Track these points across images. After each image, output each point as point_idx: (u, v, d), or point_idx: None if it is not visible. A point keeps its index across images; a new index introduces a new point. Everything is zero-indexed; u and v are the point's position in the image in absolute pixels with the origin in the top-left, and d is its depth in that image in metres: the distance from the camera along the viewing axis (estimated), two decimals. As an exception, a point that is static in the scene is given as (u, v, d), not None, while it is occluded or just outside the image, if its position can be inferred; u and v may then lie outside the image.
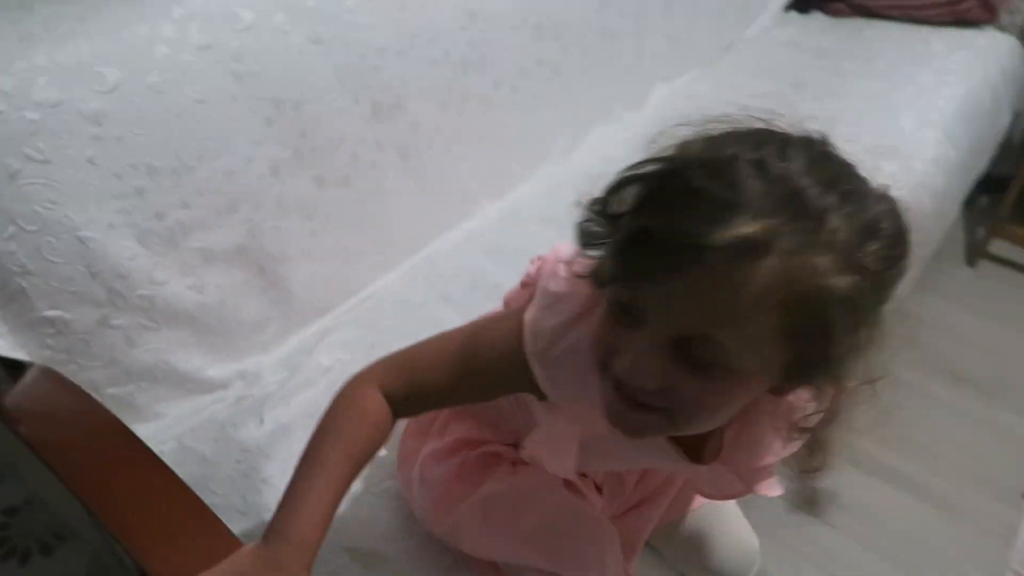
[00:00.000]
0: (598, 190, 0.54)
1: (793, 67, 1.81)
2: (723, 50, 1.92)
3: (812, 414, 0.56)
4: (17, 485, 1.48)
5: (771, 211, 0.46)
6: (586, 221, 0.55)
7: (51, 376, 0.84)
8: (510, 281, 1.18)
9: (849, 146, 0.52)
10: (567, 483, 0.75)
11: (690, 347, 0.49)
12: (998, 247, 2.01)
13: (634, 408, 0.53)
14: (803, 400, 0.57)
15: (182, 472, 0.70)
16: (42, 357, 0.89)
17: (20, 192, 0.81)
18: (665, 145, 0.52)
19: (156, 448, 0.74)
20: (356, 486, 0.83)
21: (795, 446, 0.60)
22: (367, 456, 0.64)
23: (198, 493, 0.69)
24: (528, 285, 0.72)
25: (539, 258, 0.71)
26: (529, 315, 0.62)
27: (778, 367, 0.50)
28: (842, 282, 0.46)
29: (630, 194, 0.52)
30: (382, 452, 0.70)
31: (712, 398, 0.52)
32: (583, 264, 0.56)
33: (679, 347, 0.49)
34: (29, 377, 0.85)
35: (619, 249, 0.51)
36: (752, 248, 0.45)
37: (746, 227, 0.45)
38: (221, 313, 1.00)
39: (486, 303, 1.14)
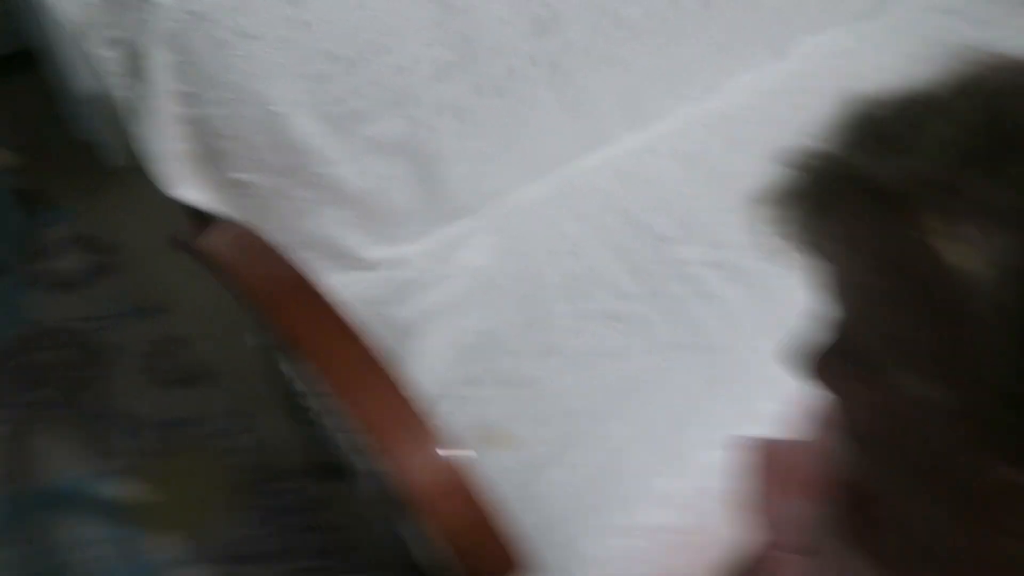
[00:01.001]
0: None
1: (950, 35, 1.73)
2: (874, 8, 1.85)
3: None
4: (166, 320, 1.66)
5: None
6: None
7: (240, 228, 0.96)
8: (638, 207, 1.22)
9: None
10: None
11: None
12: None
13: None
14: None
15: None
16: (228, 212, 1.01)
17: (225, 60, 0.91)
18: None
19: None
20: None
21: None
22: None
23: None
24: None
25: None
26: None
27: None
28: None
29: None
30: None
31: None
32: None
33: None
34: (221, 227, 0.97)
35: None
36: None
37: None
38: (378, 199, 1.09)
39: (615, 225, 1.20)
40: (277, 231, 1.04)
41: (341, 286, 1.10)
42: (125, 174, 1.95)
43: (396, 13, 0.99)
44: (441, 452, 0.78)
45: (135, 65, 0.89)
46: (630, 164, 1.32)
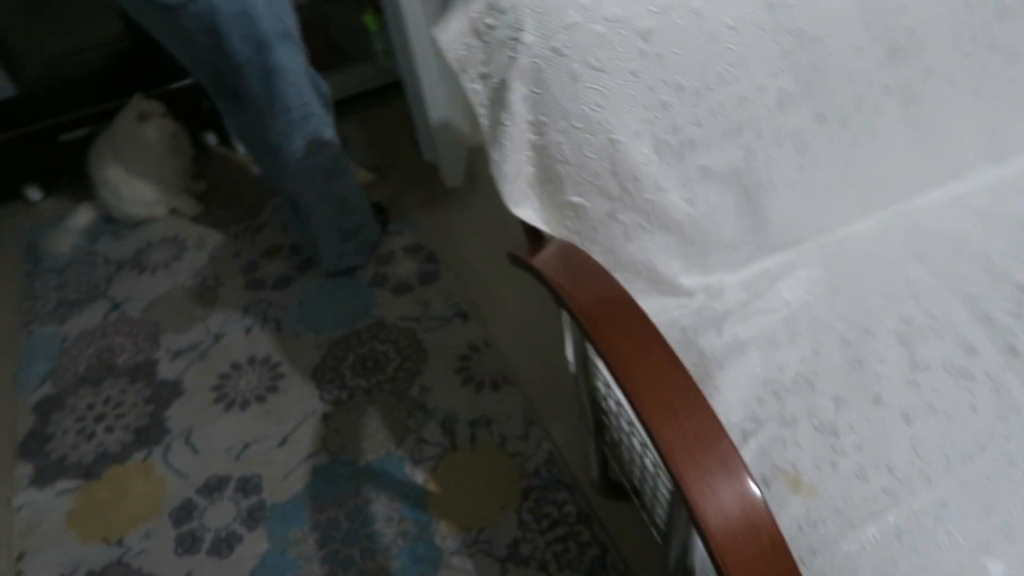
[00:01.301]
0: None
1: None
2: None
3: None
4: (479, 326, 1.80)
5: None
6: None
7: (571, 247, 1.01)
8: (1000, 253, 1.08)
9: None
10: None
11: None
12: None
13: None
14: None
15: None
16: (559, 233, 1.08)
17: (576, 92, 0.97)
18: None
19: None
20: None
21: None
22: None
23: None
24: None
25: None
26: None
27: None
28: None
29: None
30: None
31: None
32: None
33: None
34: (553, 245, 1.04)
35: None
36: None
37: None
38: (704, 228, 1.09)
39: (969, 274, 1.07)
40: (602, 253, 1.09)
41: (656, 311, 1.12)
42: (459, 193, 2.18)
43: (747, 44, 0.99)
44: (745, 490, 0.75)
45: (498, 97, 0.99)
46: (989, 203, 1.18)
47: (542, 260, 1.02)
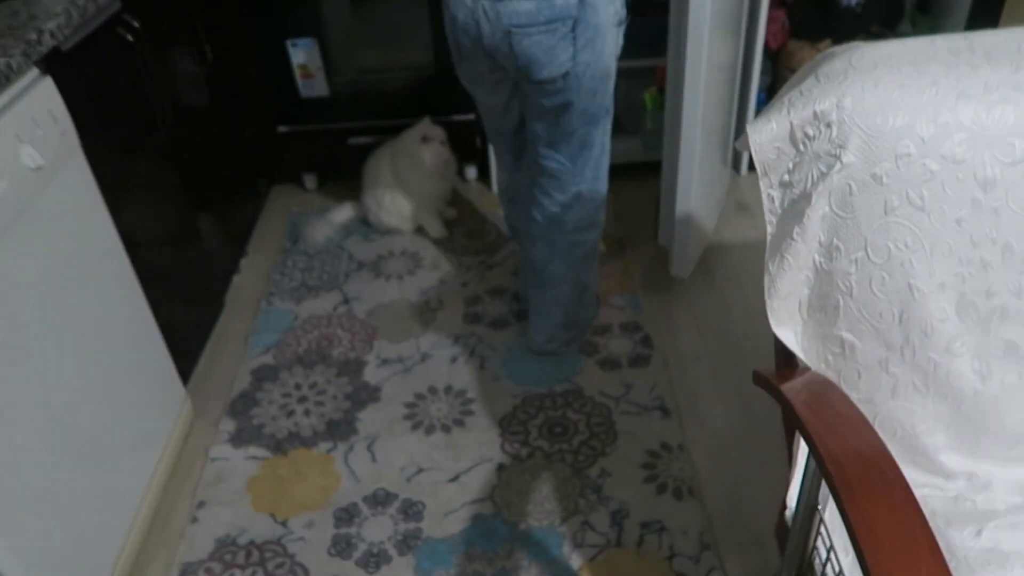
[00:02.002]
0: None
1: None
2: None
3: None
4: (677, 426, 1.70)
5: None
6: None
7: (829, 385, 0.92)
8: None
9: None
10: None
11: None
12: None
13: None
14: None
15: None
16: (816, 366, 0.98)
17: (885, 225, 0.89)
18: None
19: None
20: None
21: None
22: None
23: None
24: None
25: None
26: None
27: None
28: None
29: None
30: None
31: None
32: None
33: None
34: (808, 377, 0.95)
35: None
36: None
37: None
38: (988, 408, 0.95)
39: None
40: (859, 402, 0.98)
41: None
42: (687, 286, 2.11)
43: (1108, 222, 0.85)
44: None
45: (795, 209, 0.92)
46: None
47: (792, 389, 0.94)
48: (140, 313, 1.59)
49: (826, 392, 0.91)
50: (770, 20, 2.31)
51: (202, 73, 2.00)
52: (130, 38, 1.58)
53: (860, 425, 0.84)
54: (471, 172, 2.59)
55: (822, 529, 0.91)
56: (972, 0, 2.32)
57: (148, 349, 1.62)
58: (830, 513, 0.88)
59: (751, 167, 2.52)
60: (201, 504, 1.63)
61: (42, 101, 1.28)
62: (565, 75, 1.45)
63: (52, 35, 1.30)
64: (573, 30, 1.40)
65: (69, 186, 1.35)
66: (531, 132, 1.64)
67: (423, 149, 2.18)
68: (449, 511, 1.58)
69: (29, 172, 1.22)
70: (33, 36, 1.25)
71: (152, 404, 1.64)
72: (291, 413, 1.83)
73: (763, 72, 2.38)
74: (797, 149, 0.91)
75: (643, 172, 2.50)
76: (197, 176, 1.93)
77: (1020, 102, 0.85)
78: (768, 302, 0.96)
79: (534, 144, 1.64)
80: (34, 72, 1.28)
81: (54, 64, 1.32)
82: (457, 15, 1.45)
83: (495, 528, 1.54)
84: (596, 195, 1.67)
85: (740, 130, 2.46)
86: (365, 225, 2.43)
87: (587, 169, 1.62)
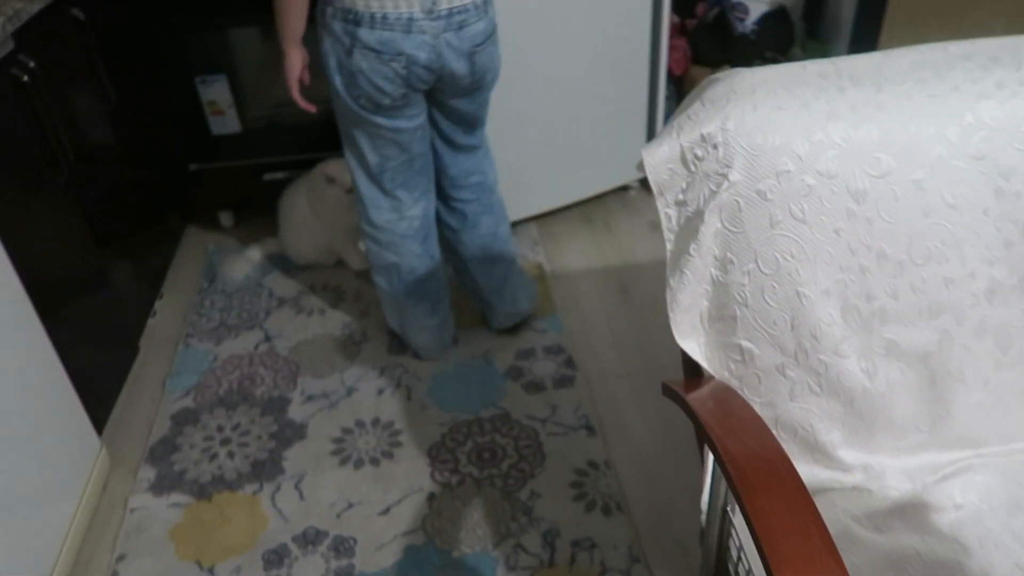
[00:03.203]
0: None
1: None
2: None
3: None
4: (603, 444, 1.74)
5: None
6: None
7: (731, 392, 0.96)
8: None
9: None
10: None
11: None
12: None
13: None
14: None
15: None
16: (719, 374, 1.03)
17: (772, 238, 0.95)
18: None
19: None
20: None
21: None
22: None
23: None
24: None
25: None
26: None
27: None
28: None
29: None
30: None
31: None
32: None
33: None
34: (712, 386, 0.99)
35: None
36: None
37: None
38: (877, 404, 1.01)
39: None
40: (761, 405, 1.03)
41: (806, 478, 1.04)
42: (606, 304, 2.16)
43: (965, 226, 0.93)
44: None
45: (690, 226, 0.98)
46: None
47: (698, 399, 0.98)
48: (46, 360, 1.54)
49: (728, 399, 0.96)
50: (672, 47, 2.42)
51: (105, 111, 1.97)
52: (25, 78, 1.55)
53: (758, 427, 0.88)
54: (390, 203, 2.59)
55: (732, 531, 0.95)
56: (853, 26, 2.49)
57: (57, 398, 1.57)
58: (739, 515, 0.92)
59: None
60: (121, 557, 1.58)
61: (-67, 148, 1.24)
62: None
63: (-58, 80, 1.26)
64: (496, 33, 1.63)
65: (-35, 234, 1.30)
66: (446, 131, 1.78)
67: (331, 188, 2.19)
68: (381, 544, 1.58)
69: (-80, 222, 1.18)
70: (-79, 82, 1.21)
71: (64, 454, 1.58)
72: (214, 456, 1.79)
73: (668, 97, 2.48)
74: (688, 170, 0.96)
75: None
76: (104, 216, 1.89)
77: (883, 120, 0.92)
78: (671, 316, 1.01)
79: (451, 140, 1.80)
80: (-77, 119, 1.24)
81: (-55, 110, 1.28)
82: (419, 56, 1.51)
83: (428, 558, 1.54)
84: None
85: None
86: (284, 261, 2.40)
87: (486, 134, 1.86)
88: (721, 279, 0.98)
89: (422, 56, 1.51)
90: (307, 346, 2.09)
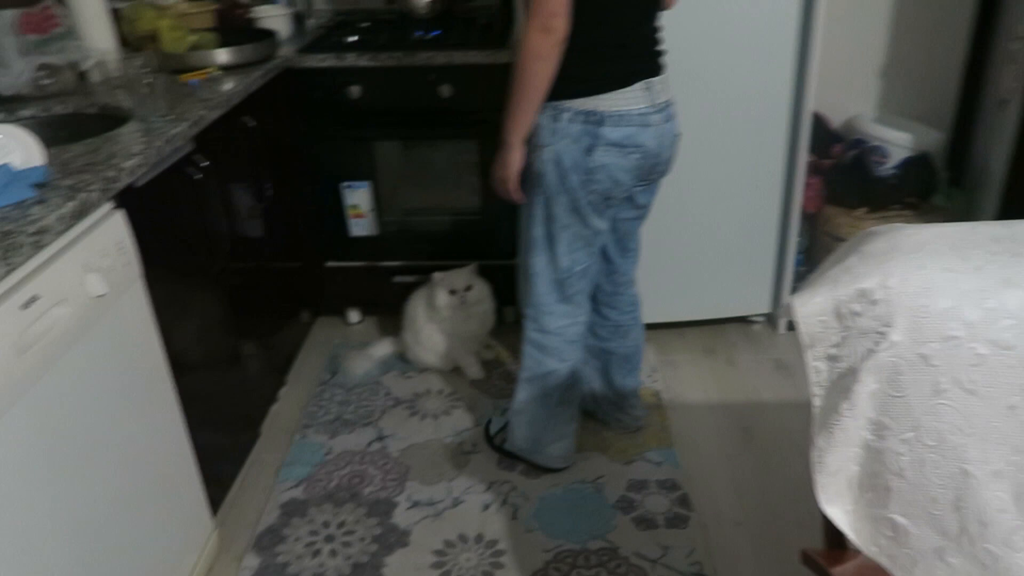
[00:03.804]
0: None
1: None
2: None
3: None
4: None
5: None
6: None
7: (880, 572, 0.87)
8: None
9: None
10: None
11: None
12: None
13: None
14: None
15: None
16: (867, 549, 0.94)
17: (935, 407, 0.87)
18: None
19: None
20: None
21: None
22: None
23: None
24: None
25: None
26: None
27: None
28: None
29: None
30: None
31: None
32: None
33: None
34: (860, 562, 0.90)
35: None
36: None
37: None
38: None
39: None
40: (916, 589, 0.93)
41: None
42: (726, 442, 2.06)
43: None
44: None
45: (842, 384, 0.92)
46: None
47: (843, 574, 0.89)
48: (178, 438, 1.60)
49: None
50: (807, 186, 2.38)
51: (260, 207, 2.11)
52: (198, 176, 1.69)
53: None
54: (511, 314, 2.63)
55: None
56: (1007, 176, 2.38)
57: (181, 475, 1.62)
58: None
59: (789, 325, 2.52)
60: (214, 646, 1.57)
61: (112, 233, 1.35)
62: None
63: (129, 173, 1.39)
64: None
65: (126, 313, 1.40)
66: (625, 231, 1.85)
67: (447, 299, 2.24)
68: (470, 673, 1.50)
69: (91, 300, 1.28)
70: (111, 174, 1.34)
71: (179, 530, 1.61)
72: (317, 553, 1.78)
73: (800, 235, 2.43)
74: (843, 324, 0.91)
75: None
76: (246, 304, 1.99)
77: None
78: (816, 477, 0.94)
79: (626, 242, 1.88)
80: (108, 206, 1.36)
81: (127, 198, 1.41)
82: (650, 146, 1.60)
83: None
84: None
85: (778, 290, 2.48)
86: (404, 362, 2.45)
87: None
88: (875, 445, 0.91)
89: (652, 146, 1.61)
90: (418, 450, 2.09)
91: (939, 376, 0.87)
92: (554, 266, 1.73)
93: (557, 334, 1.80)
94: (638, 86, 1.56)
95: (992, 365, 0.86)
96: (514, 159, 1.61)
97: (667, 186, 2.26)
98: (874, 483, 0.92)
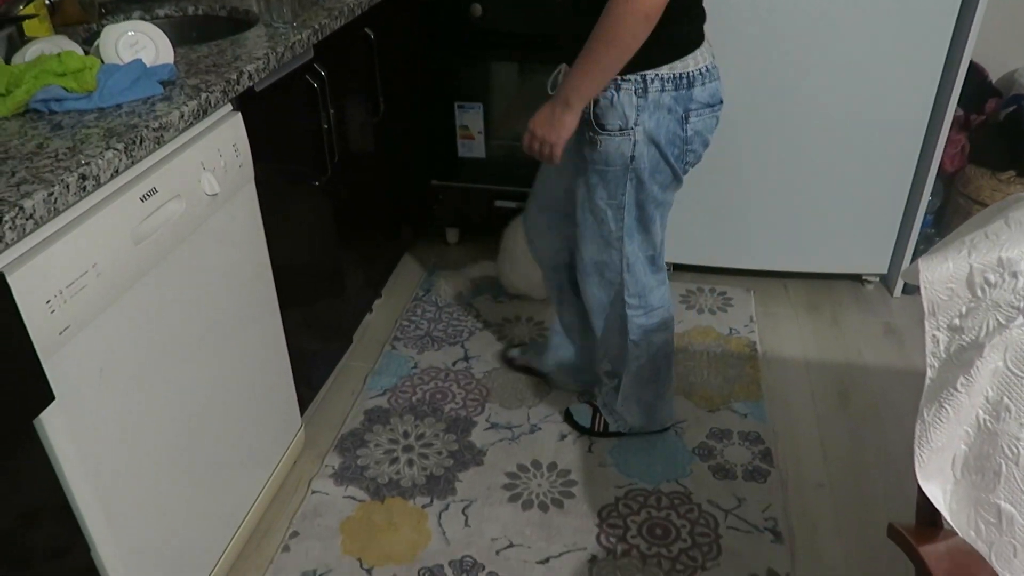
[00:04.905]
0: None
1: None
2: None
3: None
4: (788, 556, 1.57)
5: None
6: None
7: (977, 560, 0.82)
8: None
9: None
10: None
11: None
12: None
13: None
14: None
15: None
16: (964, 532, 0.89)
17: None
18: None
19: None
20: None
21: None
22: None
23: None
24: None
25: None
26: None
27: None
28: None
29: None
30: None
31: None
32: None
33: None
34: (952, 544, 0.85)
35: None
36: None
37: None
38: None
39: None
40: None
41: None
42: (819, 402, 1.98)
43: None
44: None
45: (963, 357, 0.85)
46: None
47: (934, 555, 0.85)
48: (275, 338, 1.67)
49: (972, 567, 0.82)
50: (949, 142, 2.20)
51: (372, 123, 2.12)
52: (316, 85, 1.70)
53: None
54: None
55: None
56: None
57: (276, 374, 1.69)
58: None
59: (906, 289, 2.38)
60: (295, 534, 1.66)
61: (229, 135, 1.38)
62: None
63: (250, 77, 1.41)
64: None
65: (236, 214, 1.44)
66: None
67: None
68: (533, 595, 1.54)
69: (205, 197, 1.32)
70: (233, 76, 1.36)
71: (270, 427, 1.70)
72: (395, 460, 1.85)
73: (933, 195, 2.26)
74: (974, 294, 0.84)
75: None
76: (350, 218, 2.03)
77: None
78: (917, 451, 0.89)
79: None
80: (227, 107, 1.39)
81: (246, 102, 1.43)
82: (722, 99, 1.48)
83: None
84: None
85: (899, 252, 2.33)
86: (496, 287, 2.46)
87: None
88: (990, 425, 0.84)
89: (722, 98, 1.49)
90: (501, 374, 2.11)
91: (1076, 360, 0.79)
92: (649, 243, 1.60)
93: (661, 305, 1.70)
94: (705, 40, 1.44)
95: None
96: (571, 122, 1.42)
97: (786, 128, 2.15)
98: (982, 465, 0.86)
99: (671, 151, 1.46)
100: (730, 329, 2.26)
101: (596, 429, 1.90)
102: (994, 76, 2.44)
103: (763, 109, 2.15)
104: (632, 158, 1.45)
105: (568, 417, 1.94)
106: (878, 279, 2.43)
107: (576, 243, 1.65)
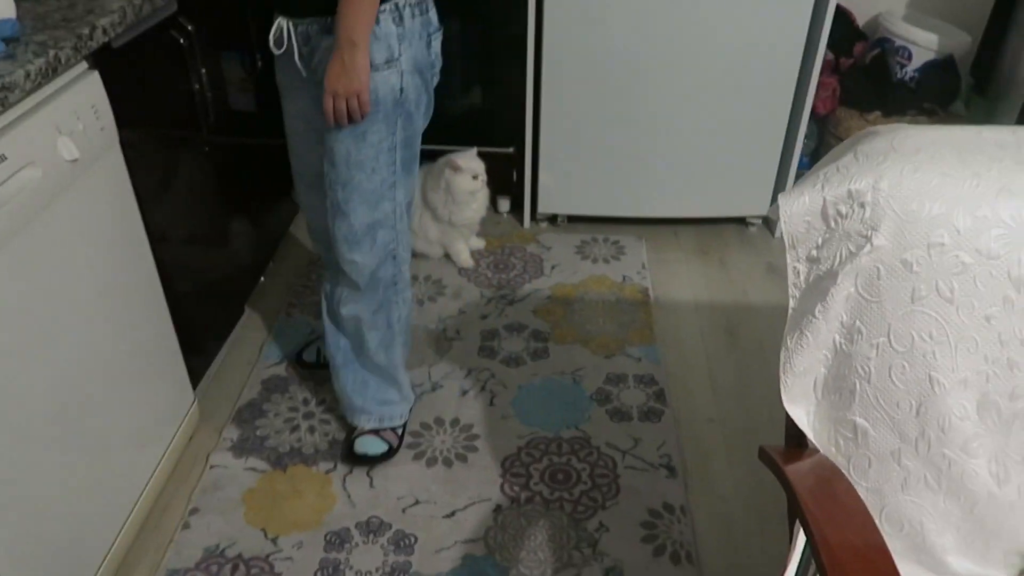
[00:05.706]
0: None
1: None
2: None
3: None
4: (682, 489, 1.64)
5: None
6: None
7: (836, 473, 0.88)
8: None
9: None
10: None
11: None
12: None
13: None
14: None
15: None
16: (825, 449, 0.95)
17: (911, 313, 0.86)
18: None
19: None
20: None
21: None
22: None
23: None
24: None
25: None
26: None
27: None
28: None
29: None
30: None
31: None
32: None
33: None
34: (815, 461, 0.91)
35: None
36: None
37: None
38: (1002, 513, 0.91)
39: None
40: (867, 491, 0.94)
41: (908, 583, 0.94)
42: (708, 342, 2.07)
43: None
44: None
45: (820, 286, 0.90)
46: None
47: (797, 472, 0.90)
48: (158, 310, 1.60)
49: (832, 480, 0.88)
50: (821, 85, 2.30)
51: (250, 79, 2.03)
52: (182, 40, 1.61)
53: (861, 518, 0.80)
54: (504, 204, 2.59)
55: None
56: (1029, 86, 2.29)
57: (162, 347, 1.63)
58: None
59: (786, 230, 2.49)
60: (195, 511, 1.62)
61: (86, 95, 1.30)
62: None
63: (104, 31, 1.32)
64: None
65: (102, 180, 1.37)
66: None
67: (454, 178, 2.19)
68: (441, 548, 1.56)
69: (65, 163, 1.24)
70: (85, 31, 1.27)
71: (160, 403, 1.64)
72: (295, 428, 1.82)
73: (808, 137, 2.36)
74: (828, 225, 0.88)
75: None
76: (234, 180, 1.95)
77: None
78: (782, 377, 0.94)
79: None
80: (82, 66, 1.30)
81: (103, 59, 1.35)
82: None
83: (485, 571, 1.51)
84: None
85: (778, 193, 2.43)
86: (393, 246, 2.42)
87: None
88: (845, 348, 0.90)
89: None
90: (401, 335, 2.09)
91: (918, 282, 0.85)
92: (409, 188, 1.51)
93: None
94: None
95: (975, 274, 0.84)
96: (364, 61, 1.28)
97: (669, 77, 2.20)
98: (839, 386, 0.92)
99: (429, 76, 1.43)
100: (623, 277, 2.32)
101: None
102: (860, 20, 2.55)
103: (644, 64, 2.18)
104: (401, 90, 1.37)
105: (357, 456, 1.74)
106: (760, 221, 2.54)
107: (337, 216, 1.47)
